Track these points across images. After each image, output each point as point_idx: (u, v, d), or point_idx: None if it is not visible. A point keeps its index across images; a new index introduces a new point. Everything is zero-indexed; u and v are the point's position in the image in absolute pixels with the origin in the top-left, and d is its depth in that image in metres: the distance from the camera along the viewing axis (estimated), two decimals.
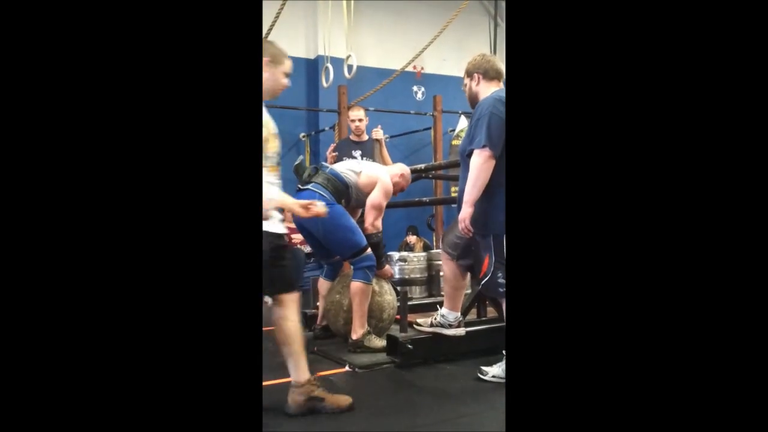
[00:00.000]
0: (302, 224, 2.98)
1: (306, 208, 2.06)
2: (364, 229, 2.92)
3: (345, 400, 2.09)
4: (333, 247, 2.97)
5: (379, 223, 2.99)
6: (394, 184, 3.13)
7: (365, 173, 3.03)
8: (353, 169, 3.04)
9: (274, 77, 2.03)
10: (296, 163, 3.10)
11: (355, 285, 2.86)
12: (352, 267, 2.96)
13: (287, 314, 2.01)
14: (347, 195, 3.01)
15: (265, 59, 1.98)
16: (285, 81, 2.10)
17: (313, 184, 2.94)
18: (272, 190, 1.98)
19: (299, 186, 3.02)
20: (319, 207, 2.08)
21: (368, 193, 2.99)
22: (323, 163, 3.17)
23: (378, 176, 3.02)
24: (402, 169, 3.29)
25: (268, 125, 2.00)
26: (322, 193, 2.88)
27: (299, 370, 2.03)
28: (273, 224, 1.95)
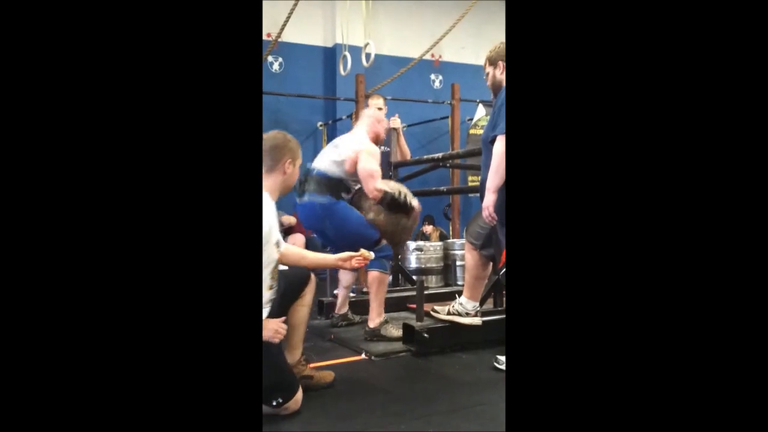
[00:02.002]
0: (312, 223, 2.98)
1: (346, 261, 2.20)
2: (371, 198, 2.83)
3: (329, 375, 2.28)
4: (346, 243, 2.88)
5: (379, 185, 2.81)
6: (375, 134, 3.02)
7: (344, 156, 2.87)
8: (334, 159, 2.89)
9: (293, 174, 2.06)
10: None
11: (372, 274, 2.87)
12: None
13: (304, 302, 2.19)
14: (345, 187, 2.92)
15: (288, 160, 2.00)
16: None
17: (308, 194, 2.87)
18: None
19: (297, 198, 2.95)
20: (364, 254, 2.20)
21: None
22: (308, 165, 2.97)
23: (356, 149, 2.86)
24: (369, 115, 3.11)
25: None
26: (320, 200, 2.83)
27: (294, 351, 2.20)
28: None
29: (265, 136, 2.03)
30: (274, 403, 1.87)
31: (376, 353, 2.70)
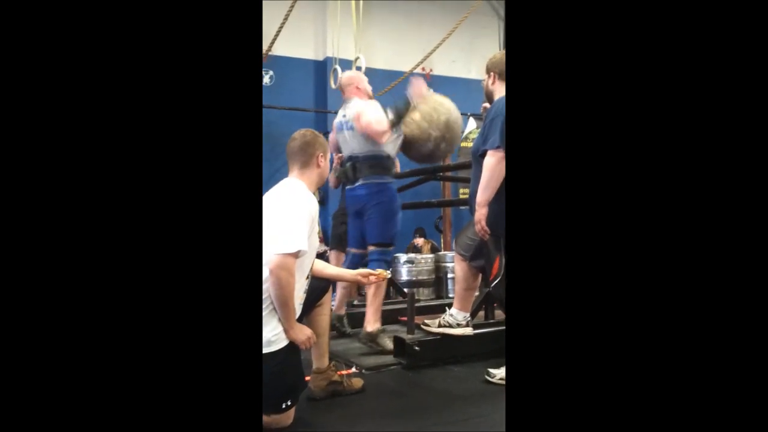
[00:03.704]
0: (359, 207, 2.97)
1: (366, 277, 2.32)
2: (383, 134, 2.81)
3: (358, 382, 2.34)
4: (371, 226, 2.92)
5: (384, 124, 2.80)
6: (364, 94, 3.07)
7: (359, 129, 2.87)
8: (364, 137, 2.88)
9: (326, 167, 2.16)
10: (337, 174, 3.11)
11: None
12: (368, 258, 2.97)
13: (325, 311, 2.23)
14: (393, 163, 2.94)
15: (320, 153, 2.10)
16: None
17: (362, 178, 2.90)
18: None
19: (348, 185, 2.99)
20: (380, 273, 2.34)
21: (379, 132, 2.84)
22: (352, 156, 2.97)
23: (358, 110, 2.87)
24: (347, 84, 3.10)
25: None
26: (378, 180, 2.85)
27: (323, 358, 2.24)
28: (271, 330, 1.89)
29: (295, 135, 2.14)
30: (284, 406, 1.90)
31: (366, 366, 2.68)
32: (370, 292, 2.90)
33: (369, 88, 3.14)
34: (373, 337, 2.88)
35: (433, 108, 2.93)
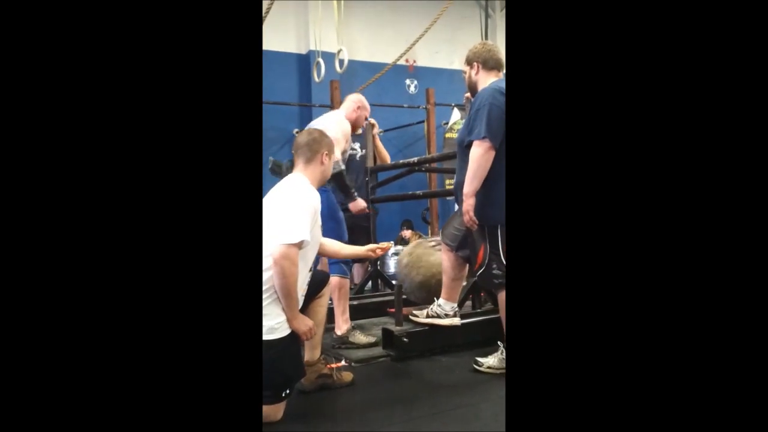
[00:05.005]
0: None
1: (374, 251, 2.43)
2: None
3: (348, 376, 2.36)
4: (323, 231, 2.88)
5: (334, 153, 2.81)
6: (355, 119, 3.07)
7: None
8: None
9: (329, 166, 2.23)
10: (270, 166, 3.05)
11: (333, 279, 2.83)
12: (327, 260, 2.94)
13: (323, 302, 2.27)
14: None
15: (325, 152, 2.17)
16: (336, 165, 2.60)
17: None
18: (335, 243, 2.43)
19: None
20: (384, 245, 2.47)
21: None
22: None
23: (325, 124, 2.82)
24: (354, 100, 3.12)
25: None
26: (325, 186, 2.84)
27: (315, 350, 2.26)
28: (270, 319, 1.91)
29: (303, 131, 2.25)
30: (283, 395, 1.93)
31: (355, 359, 2.69)
32: (334, 296, 2.87)
33: (356, 116, 3.15)
34: (344, 339, 2.88)
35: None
